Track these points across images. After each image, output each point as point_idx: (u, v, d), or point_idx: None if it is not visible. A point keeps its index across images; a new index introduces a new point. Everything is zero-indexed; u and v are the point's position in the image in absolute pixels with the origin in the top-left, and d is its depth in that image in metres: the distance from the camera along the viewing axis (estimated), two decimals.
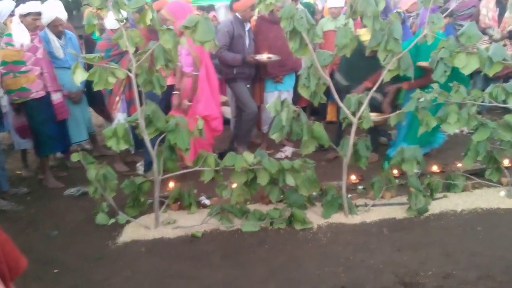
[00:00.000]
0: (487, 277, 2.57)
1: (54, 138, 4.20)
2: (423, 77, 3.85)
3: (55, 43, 4.39)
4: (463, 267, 2.67)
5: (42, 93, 4.05)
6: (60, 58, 4.44)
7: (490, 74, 3.08)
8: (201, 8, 9.00)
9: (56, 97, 4.19)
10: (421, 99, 3.00)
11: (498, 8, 5.57)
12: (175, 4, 4.00)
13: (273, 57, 4.47)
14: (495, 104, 3.24)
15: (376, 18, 2.74)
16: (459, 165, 4.01)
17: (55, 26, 4.35)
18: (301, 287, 2.57)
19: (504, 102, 3.23)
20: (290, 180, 3.20)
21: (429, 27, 2.85)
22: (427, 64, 3.22)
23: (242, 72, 4.54)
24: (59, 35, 4.44)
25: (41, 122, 4.09)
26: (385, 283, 2.56)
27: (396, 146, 4.23)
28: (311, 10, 5.23)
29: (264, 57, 4.50)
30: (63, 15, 4.42)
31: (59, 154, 4.89)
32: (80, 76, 2.93)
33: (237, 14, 4.53)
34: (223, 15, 9.44)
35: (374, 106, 4.06)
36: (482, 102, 3.21)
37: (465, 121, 3.14)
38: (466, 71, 3.03)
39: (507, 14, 5.34)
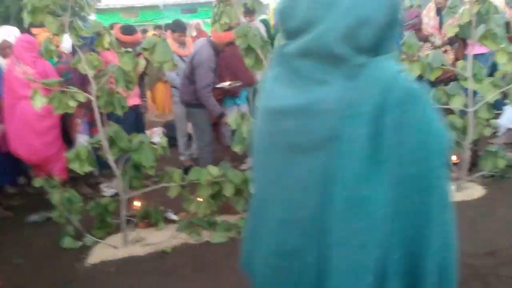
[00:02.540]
0: None
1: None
2: None
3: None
4: None
5: None
6: None
7: (432, 78, 3.35)
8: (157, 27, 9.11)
9: None
10: None
11: (439, 17, 5.98)
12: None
13: (234, 83, 4.57)
14: (438, 106, 3.50)
15: None
16: None
17: (3, 49, 4.32)
18: None
19: (447, 104, 3.50)
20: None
21: None
22: None
23: None
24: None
25: None
26: None
27: None
28: (267, 26, 5.44)
29: (226, 84, 4.56)
30: (11, 38, 4.38)
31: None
32: (39, 102, 2.95)
33: (212, 41, 4.40)
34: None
35: None
36: None
37: None
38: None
39: (449, 22, 5.75)
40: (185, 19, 10.72)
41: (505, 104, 4.97)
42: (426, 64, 3.22)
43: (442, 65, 3.27)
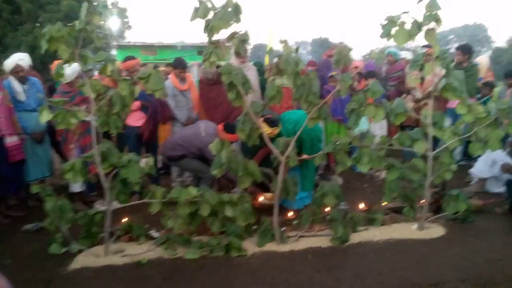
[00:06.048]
0: None
1: (5, 179, 4.53)
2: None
3: (17, 88, 4.82)
4: (369, 285, 3.12)
5: None
6: (23, 102, 4.85)
7: (396, 123, 3.72)
8: (170, 65, 9.69)
9: (10, 140, 4.50)
10: (338, 142, 3.57)
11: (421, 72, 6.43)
12: None
13: None
14: (401, 148, 3.86)
15: (296, 75, 3.35)
16: (384, 203, 4.56)
17: (16, 72, 4.82)
18: None
19: (410, 147, 3.85)
20: (229, 212, 3.63)
21: (341, 84, 3.48)
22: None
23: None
24: (21, 80, 4.87)
25: None
26: None
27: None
28: (258, 68, 5.93)
29: None
30: (24, 62, 4.88)
31: None
32: (46, 117, 3.36)
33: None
34: (195, 73, 10.07)
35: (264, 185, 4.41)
36: (390, 145, 3.82)
37: (376, 162, 3.71)
38: (376, 120, 3.66)
39: (428, 78, 6.19)
40: (201, 59, 11.40)
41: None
42: (389, 109, 3.61)
43: (405, 111, 3.65)
